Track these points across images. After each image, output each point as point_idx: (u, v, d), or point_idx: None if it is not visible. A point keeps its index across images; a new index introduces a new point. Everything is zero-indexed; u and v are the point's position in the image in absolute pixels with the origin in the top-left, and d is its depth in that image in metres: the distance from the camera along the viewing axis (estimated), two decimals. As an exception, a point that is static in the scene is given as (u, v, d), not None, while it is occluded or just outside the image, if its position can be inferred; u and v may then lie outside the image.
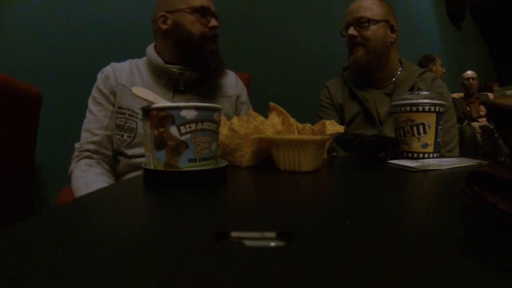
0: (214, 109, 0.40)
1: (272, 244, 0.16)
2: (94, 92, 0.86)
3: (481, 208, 0.23)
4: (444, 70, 2.53)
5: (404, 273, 0.12)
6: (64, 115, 1.43)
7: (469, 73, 3.14)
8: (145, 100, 0.41)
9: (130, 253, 0.18)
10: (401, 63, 1.00)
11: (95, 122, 0.84)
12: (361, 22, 0.92)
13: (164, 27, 0.85)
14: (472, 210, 0.26)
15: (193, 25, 0.83)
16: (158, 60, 0.85)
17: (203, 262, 0.13)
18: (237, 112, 0.97)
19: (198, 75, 0.88)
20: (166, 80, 0.87)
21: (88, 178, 0.76)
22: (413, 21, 2.91)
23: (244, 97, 1.00)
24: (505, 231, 0.20)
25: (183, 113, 0.37)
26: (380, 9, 0.93)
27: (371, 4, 0.94)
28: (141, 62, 0.91)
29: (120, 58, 0.91)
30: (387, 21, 0.94)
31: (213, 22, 0.85)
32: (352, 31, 0.93)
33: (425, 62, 2.46)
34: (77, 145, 0.84)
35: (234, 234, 0.16)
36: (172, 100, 0.84)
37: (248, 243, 0.16)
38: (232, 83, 0.98)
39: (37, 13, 1.43)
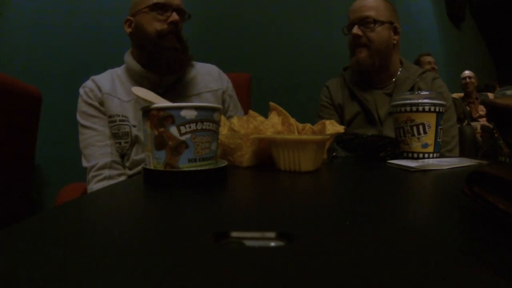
0: (214, 109, 0.40)
1: (272, 244, 0.16)
2: (83, 107, 0.83)
3: (481, 208, 0.23)
4: (434, 67, 2.48)
5: (404, 273, 0.12)
6: (64, 115, 1.43)
7: (466, 72, 3.13)
8: (145, 100, 0.41)
9: (130, 253, 0.18)
10: (401, 63, 1.00)
11: (97, 135, 0.82)
12: (366, 22, 0.91)
13: (128, 30, 0.85)
14: (472, 210, 0.26)
15: (150, 24, 0.81)
16: (136, 66, 0.85)
17: (203, 262, 0.13)
18: (225, 105, 0.97)
19: (176, 76, 0.87)
20: (146, 85, 0.84)
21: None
22: (413, 21, 2.91)
23: (230, 90, 0.99)
24: (505, 231, 0.20)
25: (183, 113, 0.37)
26: (385, 10, 0.93)
27: (376, 3, 0.92)
28: (120, 70, 0.90)
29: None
30: (391, 23, 0.93)
31: (173, 17, 0.81)
32: (356, 30, 0.91)
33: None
34: (87, 164, 0.81)
35: (234, 234, 0.16)
36: None
37: (248, 243, 0.16)
38: (216, 77, 0.97)
39: (37, 14, 1.43)
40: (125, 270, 0.16)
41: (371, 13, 0.91)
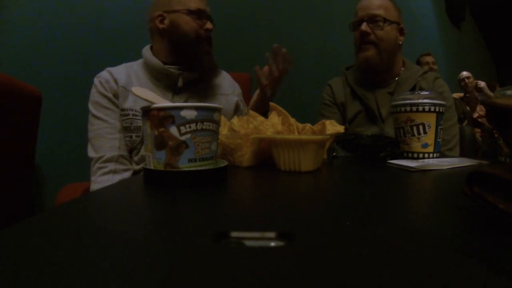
0: (214, 109, 0.40)
1: (272, 244, 0.16)
2: (96, 98, 0.83)
3: (481, 208, 0.23)
4: (432, 67, 2.47)
5: (404, 273, 0.12)
6: (64, 115, 1.43)
7: (464, 73, 3.13)
8: (145, 100, 0.41)
9: (130, 253, 0.18)
10: (403, 63, 1.01)
11: (107, 127, 0.82)
12: (376, 20, 0.91)
13: (161, 26, 0.86)
14: (472, 210, 0.26)
15: (188, 25, 0.85)
16: (156, 61, 0.85)
17: (203, 262, 0.13)
18: (240, 108, 1.01)
19: (196, 75, 0.89)
20: (165, 81, 0.87)
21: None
22: (413, 21, 2.91)
23: (241, 94, 1.05)
24: (505, 231, 0.20)
25: (183, 113, 0.37)
26: (393, 10, 0.93)
27: (386, 2, 0.93)
28: (136, 65, 0.90)
29: (120, 59, 0.91)
30: (398, 23, 0.94)
31: (208, 25, 0.87)
32: (365, 27, 0.91)
33: None
34: (94, 155, 0.81)
35: (234, 234, 0.16)
36: (172, 101, 0.85)
37: (248, 243, 0.16)
38: (228, 82, 1.01)
39: (37, 14, 1.43)
40: (125, 270, 0.16)
41: (381, 12, 0.91)
